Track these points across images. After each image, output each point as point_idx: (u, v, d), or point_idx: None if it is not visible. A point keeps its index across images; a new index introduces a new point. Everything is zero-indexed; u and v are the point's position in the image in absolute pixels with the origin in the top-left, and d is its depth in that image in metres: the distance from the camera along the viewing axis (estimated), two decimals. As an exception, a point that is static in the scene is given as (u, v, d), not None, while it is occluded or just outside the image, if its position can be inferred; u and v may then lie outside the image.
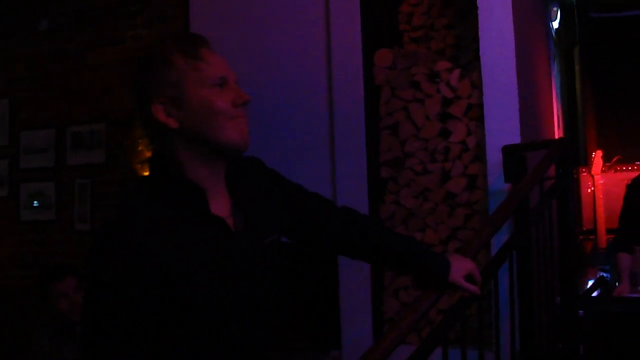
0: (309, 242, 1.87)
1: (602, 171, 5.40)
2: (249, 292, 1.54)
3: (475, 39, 3.97)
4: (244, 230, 1.56)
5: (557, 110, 5.94)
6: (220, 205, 1.54)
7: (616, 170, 5.70)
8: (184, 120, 1.49)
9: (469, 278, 1.92)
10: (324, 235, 1.83)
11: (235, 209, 1.58)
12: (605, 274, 4.17)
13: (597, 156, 5.36)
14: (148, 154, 5.41)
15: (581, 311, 3.42)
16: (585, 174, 5.66)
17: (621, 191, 4.21)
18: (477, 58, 3.94)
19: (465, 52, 4.19)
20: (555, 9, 6.02)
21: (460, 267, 1.91)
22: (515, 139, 3.72)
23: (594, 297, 3.86)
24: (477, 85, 3.98)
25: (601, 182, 5.27)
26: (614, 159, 5.77)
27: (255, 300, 1.55)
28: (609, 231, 4.96)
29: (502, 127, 3.79)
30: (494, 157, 3.76)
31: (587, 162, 5.84)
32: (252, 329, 1.55)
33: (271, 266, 1.63)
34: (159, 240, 1.42)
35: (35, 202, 5.92)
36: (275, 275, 1.64)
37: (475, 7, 3.93)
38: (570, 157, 3.35)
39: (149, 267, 1.39)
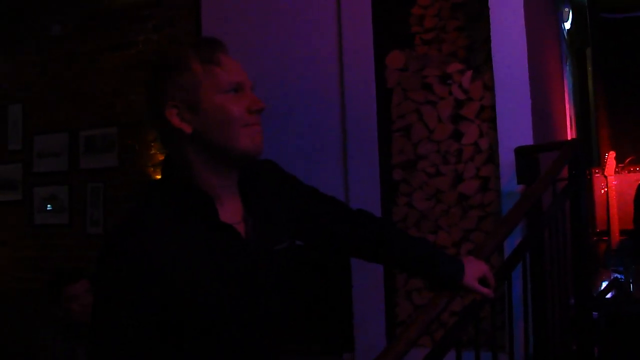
0: (321, 245, 1.87)
1: (616, 172, 5.39)
2: (257, 299, 1.53)
3: (487, 41, 3.96)
4: (254, 236, 1.55)
5: (570, 111, 5.93)
6: (231, 211, 1.53)
7: (630, 171, 5.69)
8: (197, 126, 1.48)
9: (482, 281, 1.91)
10: (335, 238, 1.83)
11: (247, 214, 1.57)
12: (619, 276, 4.14)
13: (610, 157, 5.34)
14: (160, 158, 5.43)
15: (595, 313, 3.41)
16: (598, 175, 5.65)
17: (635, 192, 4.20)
18: (489, 60, 3.94)
19: (477, 53, 4.18)
20: (566, 9, 6.01)
21: (474, 270, 1.90)
22: (527, 140, 3.71)
23: (608, 298, 3.84)
24: (490, 87, 3.97)
25: (614, 183, 5.25)
26: (627, 160, 5.75)
27: (263, 306, 1.54)
28: (622, 232, 4.94)
29: (515, 128, 3.78)
30: (506, 158, 3.75)
31: (600, 163, 5.83)
32: (260, 335, 1.54)
33: (281, 273, 1.62)
34: (165, 246, 1.41)
35: (48, 205, 5.95)
36: (285, 281, 1.63)
37: (487, 9, 3.92)
38: (583, 158, 3.34)
39: (154, 273, 1.38)
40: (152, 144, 5.51)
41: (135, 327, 1.40)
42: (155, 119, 1.52)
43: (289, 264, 1.65)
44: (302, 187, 1.80)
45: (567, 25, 6.05)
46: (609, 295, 3.88)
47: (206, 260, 1.45)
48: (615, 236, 5.01)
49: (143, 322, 1.40)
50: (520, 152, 3.58)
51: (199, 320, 1.44)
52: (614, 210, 5.13)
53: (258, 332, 1.54)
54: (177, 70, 1.49)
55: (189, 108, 1.48)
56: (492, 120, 3.95)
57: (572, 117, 6.09)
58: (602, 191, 5.51)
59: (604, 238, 5.31)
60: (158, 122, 1.51)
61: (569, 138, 5.61)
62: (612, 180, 5.27)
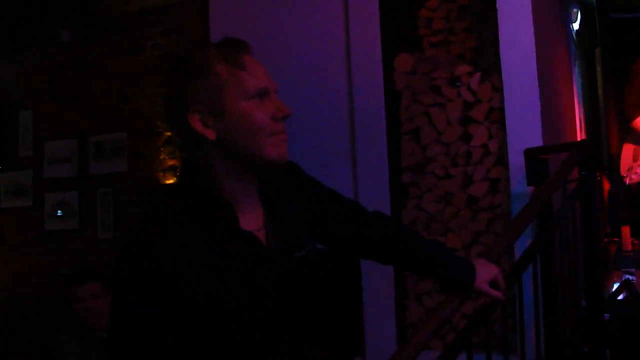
0: (331, 245, 1.85)
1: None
2: (277, 306, 1.50)
3: (496, 42, 3.95)
4: (275, 243, 1.53)
5: (579, 112, 5.90)
6: (251, 218, 1.51)
7: (640, 172, 5.65)
8: (221, 132, 1.44)
9: (492, 284, 1.90)
10: (343, 238, 1.83)
11: (268, 220, 1.54)
12: (631, 277, 4.12)
13: (621, 157, 5.31)
14: (170, 162, 5.44)
15: (607, 314, 3.39)
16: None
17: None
18: (498, 61, 3.93)
19: (486, 55, 4.17)
20: (575, 10, 5.99)
21: (485, 273, 1.89)
22: (537, 141, 3.70)
23: (619, 300, 3.82)
24: (498, 89, 3.97)
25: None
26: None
27: (283, 313, 1.52)
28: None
29: (524, 130, 3.77)
30: (516, 160, 3.74)
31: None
32: (279, 341, 1.52)
33: (302, 279, 1.60)
34: (184, 253, 1.37)
35: (59, 211, 5.98)
36: (305, 287, 1.61)
37: (495, 11, 3.92)
38: (593, 159, 3.33)
39: (173, 280, 1.35)
40: (161, 149, 5.53)
41: (154, 334, 1.37)
42: (176, 123, 1.48)
43: (309, 269, 1.63)
44: (317, 188, 1.79)
45: (576, 25, 6.02)
46: (620, 297, 3.86)
47: (226, 268, 1.42)
48: (627, 237, 4.98)
49: (161, 329, 1.37)
50: (529, 153, 3.57)
51: (218, 327, 1.41)
52: (624, 211, 5.10)
53: (277, 338, 1.52)
54: (201, 74, 1.44)
55: (212, 113, 1.44)
56: (501, 122, 3.94)
57: (582, 117, 6.06)
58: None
59: (615, 239, 5.28)
60: (179, 126, 1.47)
61: (579, 139, 5.58)
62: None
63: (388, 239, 1.84)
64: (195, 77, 1.44)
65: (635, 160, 4.58)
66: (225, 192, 1.47)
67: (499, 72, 3.91)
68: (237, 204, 1.48)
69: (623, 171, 4.68)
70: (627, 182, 4.59)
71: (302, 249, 1.60)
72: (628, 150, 4.70)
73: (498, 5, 3.89)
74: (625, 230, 4.58)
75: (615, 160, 5.04)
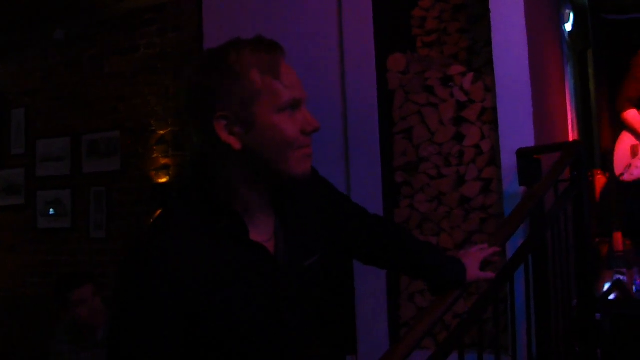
0: (346, 251, 1.85)
1: (618, 173, 5.37)
2: (284, 317, 1.47)
3: (488, 43, 3.96)
4: (285, 252, 1.49)
5: (571, 113, 5.92)
6: (263, 226, 1.47)
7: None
8: (247, 143, 1.37)
9: (483, 266, 1.95)
10: (362, 245, 1.83)
11: (279, 229, 1.50)
12: (622, 277, 4.14)
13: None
14: (163, 161, 5.43)
15: (598, 314, 3.40)
16: (600, 176, 5.63)
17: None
18: (491, 61, 3.94)
19: (479, 55, 4.19)
20: (567, 11, 6.01)
21: (473, 262, 1.94)
22: (529, 142, 3.71)
23: (611, 300, 3.84)
24: (491, 89, 3.98)
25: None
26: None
27: (290, 324, 1.49)
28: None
29: (516, 130, 3.78)
30: (508, 160, 3.75)
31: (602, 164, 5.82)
32: (287, 351, 1.50)
33: (310, 287, 1.57)
34: (193, 260, 1.33)
35: (51, 210, 5.97)
36: (314, 295, 1.59)
37: (488, 11, 3.93)
38: (584, 159, 3.34)
39: (181, 287, 1.31)
40: (154, 148, 5.52)
41: (158, 341, 1.33)
42: (198, 124, 1.40)
43: (318, 277, 1.60)
44: (332, 192, 1.77)
45: (569, 26, 6.04)
46: (611, 297, 3.88)
47: (233, 279, 1.38)
48: (618, 237, 5.00)
49: (166, 337, 1.33)
50: (521, 153, 3.58)
51: (224, 337, 1.38)
52: (616, 212, 5.12)
53: (285, 348, 1.49)
54: (234, 77, 1.36)
55: (240, 122, 1.36)
56: (494, 122, 3.95)
57: (574, 118, 6.08)
58: (605, 192, 5.50)
59: (606, 239, 5.30)
60: (201, 128, 1.40)
61: (571, 139, 5.60)
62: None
63: (391, 244, 1.84)
64: (227, 79, 1.36)
65: (634, 156, 4.58)
66: (239, 200, 1.42)
67: (492, 72, 3.92)
68: (250, 212, 1.44)
69: (618, 170, 4.67)
70: (626, 179, 4.58)
71: (311, 257, 1.57)
72: (624, 146, 4.70)
73: (491, 6, 3.90)
74: (617, 237, 4.60)
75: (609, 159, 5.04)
